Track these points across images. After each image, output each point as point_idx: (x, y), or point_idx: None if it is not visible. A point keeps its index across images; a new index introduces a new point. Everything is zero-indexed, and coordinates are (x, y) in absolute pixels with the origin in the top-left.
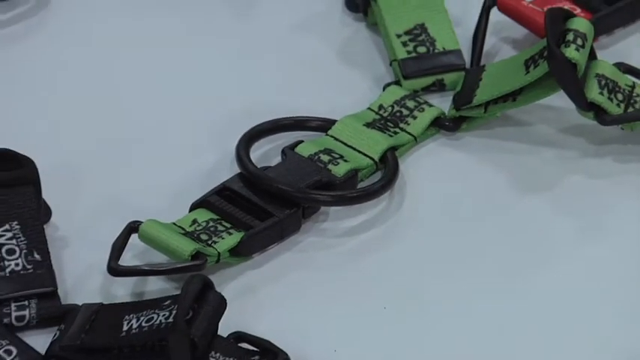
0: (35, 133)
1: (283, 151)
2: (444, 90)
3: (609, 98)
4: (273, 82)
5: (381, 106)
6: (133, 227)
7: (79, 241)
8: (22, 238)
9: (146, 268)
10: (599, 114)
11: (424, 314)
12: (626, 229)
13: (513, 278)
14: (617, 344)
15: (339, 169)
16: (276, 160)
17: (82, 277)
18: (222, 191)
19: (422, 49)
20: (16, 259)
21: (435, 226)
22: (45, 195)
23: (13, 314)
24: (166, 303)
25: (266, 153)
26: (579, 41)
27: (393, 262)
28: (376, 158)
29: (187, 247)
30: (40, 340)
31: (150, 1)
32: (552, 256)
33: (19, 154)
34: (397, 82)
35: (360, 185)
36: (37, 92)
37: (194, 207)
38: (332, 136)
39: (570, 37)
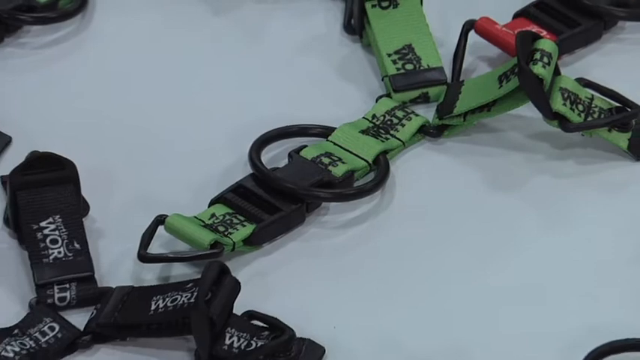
0: (75, 139)
1: (289, 155)
2: (429, 102)
3: (571, 109)
4: (281, 95)
5: (374, 116)
6: (159, 220)
7: (113, 232)
8: (64, 230)
9: (171, 255)
10: (563, 122)
11: (411, 293)
12: (584, 221)
13: (487, 261)
14: (576, 319)
15: (338, 170)
16: (284, 162)
17: (116, 264)
18: (237, 189)
19: (409, 67)
20: (59, 247)
21: (420, 219)
22: (83, 192)
23: (56, 295)
24: (188, 286)
25: (275, 156)
26: (545, 59)
27: (384, 249)
28: (370, 160)
29: (207, 237)
30: (79, 318)
31: (179, 27)
32: (520, 244)
33: (61, 157)
34: (388, 95)
35: (356, 184)
36: (76, 103)
37: (212, 202)
38: (332, 142)
39: (538, 56)
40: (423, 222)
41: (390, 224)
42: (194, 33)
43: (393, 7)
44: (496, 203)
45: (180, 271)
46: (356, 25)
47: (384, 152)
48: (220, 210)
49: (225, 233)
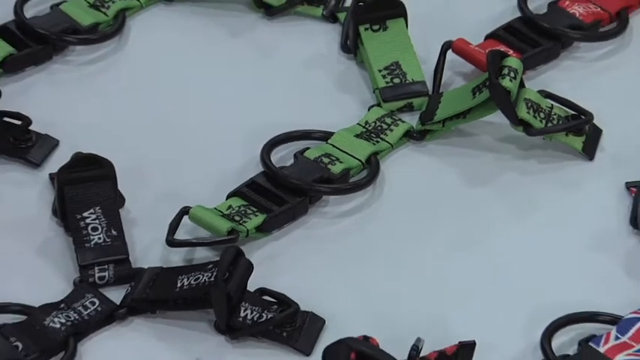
0: (113, 142)
1: (295, 155)
2: (413, 110)
3: (534, 116)
4: (288, 104)
5: (366, 122)
6: (184, 211)
7: (145, 221)
8: (103, 219)
9: (194, 241)
10: (527, 128)
11: (399, 272)
12: (544, 211)
13: (462, 245)
14: (539, 294)
15: (336, 168)
16: (290, 161)
17: (147, 248)
18: (251, 184)
19: (396, 80)
20: (99, 234)
21: (406, 209)
22: (119, 187)
23: (96, 275)
24: (209, 266)
25: (282, 156)
26: (512, 74)
27: (376, 235)
28: (363, 160)
29: (224, 225)
30: (116, 294)
31: (202, 45)
32: (490, 230)
33: (101, 157)
34: (378, 105)
35: (352, 180)
36: (113, 111)
37: (229, 196)
38: (331, 144)
39: (506, 71)
40: (408, 212)
41: (380, 214)
42: (214, 51)
43: (383, 30)
44: (470, 196)
45: (202, 255)
46: (351, 45)
47: (375, 153)
48: (236, 202)
49: (241, 222)
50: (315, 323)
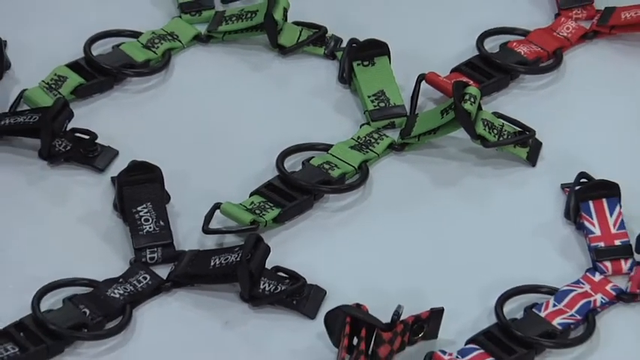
0: (161, 152)
1: (303, 163)
2: (395, 127)
3: (489, 132)
4: (297, 123)
5: (359, 137)
6: (216, 206)
7: (186, 214)
8: (153, 212)
9: (224, 229)
10: (483, 141)
11: (384, 253)
12: (497, 206)
13: (433, 232)
14: (493, 271)
15: (335, 173)
16: (299, 167)
17: (187, 235)
18: (268, 185)
19: (382, 104)
20: (150, 224)
21: (390, 205)
22: (166, 187)
23: (148, 256)
24: (236, 249)
25: (293, 164)
26: (472, 100)
27: (366, 225)
28: (356, 166)
29: (248, 217)
30: (163, 271)
31: (231, 77)
32: (454, 221)
33: (151, 163)
34: (368, 123)
35: (347, 182)
36: (161, 128)
37: (252, 194)
38: (331, 154)
39: (467, 97)
40: (391, 207)
41: (369, 209)
42: (240, 81)
43: (371, 65)
44: (440, 194)
45: (230, 240)
46: (346, 77)
47: (365, 161)
48: (257, 199)
49: (260, 215)
50: (318, 294)
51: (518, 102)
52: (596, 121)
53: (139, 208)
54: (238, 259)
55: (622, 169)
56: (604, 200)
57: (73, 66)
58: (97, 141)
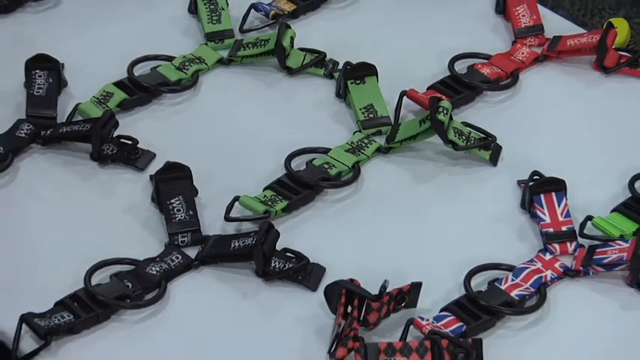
0: (190, 154)
1: (306, 163)
2: (382, 134)
3: (458, 138)
4: (301, 131)
5: (352, 142)
6: (236, 198)
7: (211, 205)
8: (184, 204)
9: (242, 218)
10: (454, 145)
11: (374, 237)
12: (466, 198)
13: (414, 220)
14: (463, 250)
15: (333, 171)
16: (303, 167)
17: (212, 222)
18: (278, 182)
19: (371, 115)
20: (181, 213)
21: (377, 198)
22: (195, 183)
23: (179, 239)
24: (251, 234)
25: (298, 164)
26: (445, 112)
27: (358, 214)
28: (350, 166)
29: (261, 208)
30: (192, 252)
31: (248, 94)
32: (431, 211)
33: (182, 164)
34: (360, 131)
35: (343, 179)
36: (190, 135)
37: (265, 189)
38: (329, 156)
39: (440, 109)
40: (379, 199)
41: (361, 201)
42: (255, 96)
43: (362, 84)
44: (418, 189)
45: (247, 227)
46: (342, 93)
47: (358, 162)
48: (269, 193)
49: (272, 206)
50: (319, 270)
51: (483, 113)
52: (546, 129)
53: (172, 201)
54: (254, 242)
55: (567, 169)
56: (553, 194)
57: (119, 84)
58: (138, 145)
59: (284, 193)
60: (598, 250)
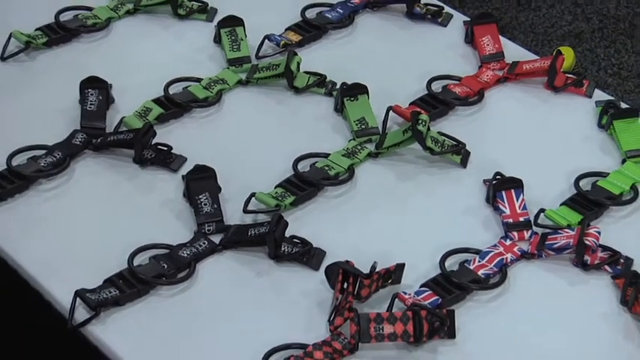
0: (215, 158)
1: (310, 165)
2: (372, 142)
3: (435, 145)
4: (306, 139)
5: (347, 148)
6: (252, 194)
7: (232, 200)
8: (210, 199)
9: (257, 210)
10: (431, 151)
11: (366, 226)
12: (441, 194)
13: (399, 211)
14: (439, 237)
15: (332, 172)
16: (307, 168)
17: (233, 214)
18: (287, 181)
19: (363, 126)
20: (208, 207)
21: (368, 193)
22: (219, 182)
23: (206, 228)
24: (265, 224)
25: (304, 166)
26: (424, 123)
27: (353, 206)
28: (346, 168)
29: (273, 202)
30: (216, 238)
31: (262, 112)
32: (412, 204)
33: (208, 166)
34: (354, 139)
35: (340, 178)
36: (216, 141)
37: (276, 187)
38: (329, 160)
39: (420, 122)
40: (369, 195)
41: (355, 197)
42: (268, 111)
43: (356, 100)
44: (402, 186)
45: (261, 218)
46: (339, 108)
47: (352, 164)
48: (279, 190)
49: (282, 200)
50: (320, 254)
51: (454, 125)
52: (506, 137)
53: (200, 196)
54: (267, 230)
55: (524, 170)
56: (512, 190)
57: (156, 101)
58: (172, 151)
59: (292, 190)
60: (549, 236)
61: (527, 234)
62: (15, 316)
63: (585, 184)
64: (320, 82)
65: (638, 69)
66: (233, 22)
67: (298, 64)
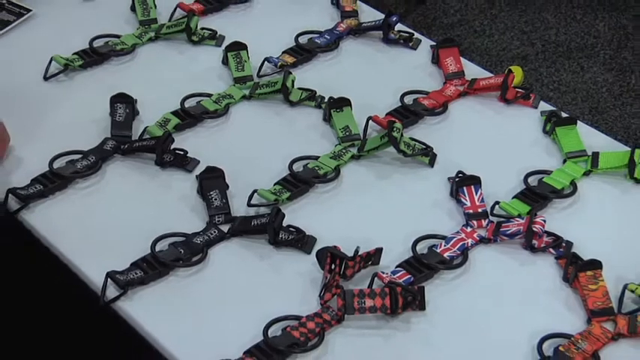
0: (224, 161)
1: (303, 166)
2: (354, 146)
3: (407, 148)
4: (300, 144)
5: (334, 151)
6: (255, 191)
7: (237, 195)
8: (220, 195)
9: (259, 204)
10: (404, 153)
11: (349, 216)
12: (412, 191)
13: (376, 205)
14: (411, 225)
15: (322, 172)
16: (302, 168)
17: (238, 207)
18: (284, 179)
19: (347, 133)
20: (217, 201)
21: (351, 188)
22: (226, 180)
23: (216, 219)
24: (266, 215)
25: (298, 166)
26: (398, 130)
27: (338, 199)
28: (333, 168)
29: (272, 197)
30: (225, 227)
31: (262, 119)
32: (387, 198)
33: (218, 167)
34: (339, 144)
35: (328, 177)
36: (224, 146)
37: (275, 184)
38: (319, 161)
39: (395, 129)
40: (353, 191)
41: (340, 191)
42: (267, 121)
43: (341, 111)
44: (380, 183)
45: (262, 210)
46: (327, 118)
47: (338, 165)
48: (278, 187)
49: (280, 195)
50: (312, 240)
51: (423, 132)
52: (467, 142)
53: (211, 193)
54: (267, 221)
55: (482, 169)
56: (472, 186)
57: (174, 113)
58: (187, 155)
59: (288, 187)
60: (503, 224)
61: (484, 222)
62: (56, 295)
63: (533, 181)
64: (311, 96)
65: (574, 85)
66: (238, 46)
67: (293, 81)
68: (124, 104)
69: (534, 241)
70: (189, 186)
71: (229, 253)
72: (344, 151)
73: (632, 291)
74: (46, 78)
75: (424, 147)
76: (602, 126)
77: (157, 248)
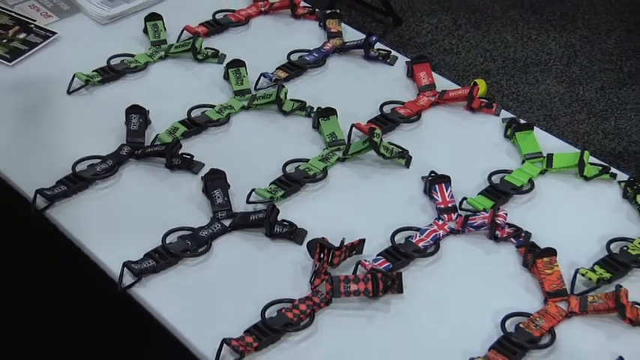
0: (226, 163)
1: (295, 168)
2: (340, 150)
3: (386, 151)
4: (292, 148)
5: (322, 155)
6: (253, 189)
7: (238, 194)
8: (222, 194)
9: (257, 201)
10: (384, 156)
11: (336, 210)
12: (391, 189)
13: (359, 200)
14: (389, 218)
15: (311, 173)
16: (294, 170)
17: (239, 204)
18: (278, 180)
19: (334, 139)
20: (220, 199)
21: (337, 186)
22: (228, 180)
23: (218, 215)
24: (263, 211)
25: (290, 168)
26: (378, 136)
27: (326, 196)
28: (321, 169)
29: (268, 195)
30: (227, 222)
31: (259, 126)
32: (369, 195)
33: (220, 170)
34: (327, 148)
35: (317, 177)
36: (226, 151)
37: (270, 184)
38: (309, 164)
39: (375, 135)
40: (338, 189)
41: (328, 190)
42: (264, 128)
43: (328, 120)
44: (362, 182)
45: (259, 207)
46: (316, 126)
47: (326, 167)
48: (273, 186)
49: (275, 194)
50: (303, 232)
51: (400, 137)
52: (438, 145)
53: (215, 192)
54: (264, 216)
55: (451, 169)
56: (443, 184)
57: (182, 122)
58: (193, 159)
59: (282, 186)
60: (470, 217)
61: (454, 216)
62: (77, 282)
63: (496, 179)
64: (301, 106)
65: (531, 95)
66: (238, 63)
67: (285, 94)
68: (137, 114)
69: (497, 232)
70: (195, 186)
71: (231, 244)
72: (331, 154)
73: (583, 275)
74: (69, 92)
75: (401, 150)
76: (555, 131)
77: (167, 241)
